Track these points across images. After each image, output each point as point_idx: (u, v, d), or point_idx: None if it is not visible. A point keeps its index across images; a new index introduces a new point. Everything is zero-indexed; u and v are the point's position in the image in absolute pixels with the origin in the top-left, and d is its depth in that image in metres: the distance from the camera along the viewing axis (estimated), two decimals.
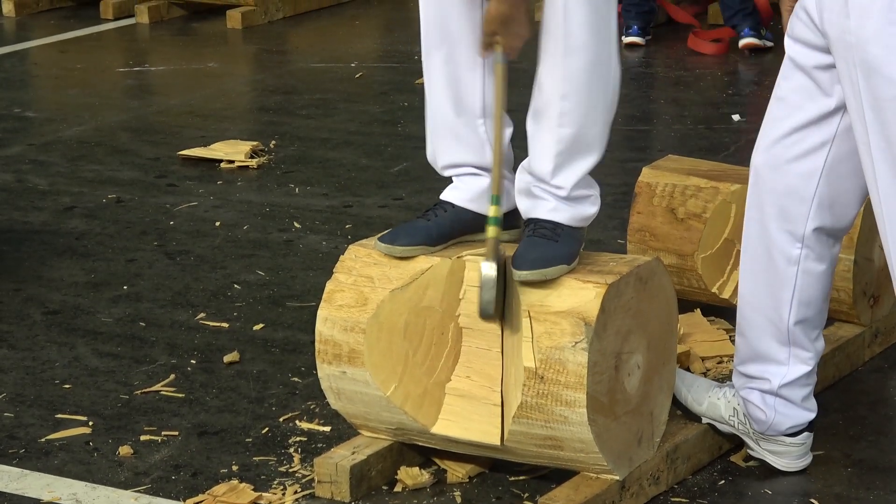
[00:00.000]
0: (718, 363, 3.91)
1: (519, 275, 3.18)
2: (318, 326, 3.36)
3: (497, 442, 3.29)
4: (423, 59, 3.37)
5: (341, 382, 3.37)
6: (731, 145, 5.93)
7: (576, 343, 3.14)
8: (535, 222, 3.27)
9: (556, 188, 3.26)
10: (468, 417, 3.31)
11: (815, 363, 3.42)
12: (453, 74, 3.33)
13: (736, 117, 6.32)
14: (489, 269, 3.16)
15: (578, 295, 3.16)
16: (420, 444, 3.43)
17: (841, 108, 3.17)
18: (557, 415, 3.18)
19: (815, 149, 3.21)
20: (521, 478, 3.45)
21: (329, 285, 3.37)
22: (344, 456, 3.39)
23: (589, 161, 3.27)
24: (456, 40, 3.30)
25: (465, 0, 3.27)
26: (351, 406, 3.40)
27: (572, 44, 3.17)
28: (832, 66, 3.13)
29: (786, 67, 3.21)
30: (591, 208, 3.30)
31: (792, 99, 3.21)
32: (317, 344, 3.37)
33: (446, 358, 3.32)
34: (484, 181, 3.36)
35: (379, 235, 3.38)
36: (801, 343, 3.38)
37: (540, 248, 3.21)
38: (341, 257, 3.40)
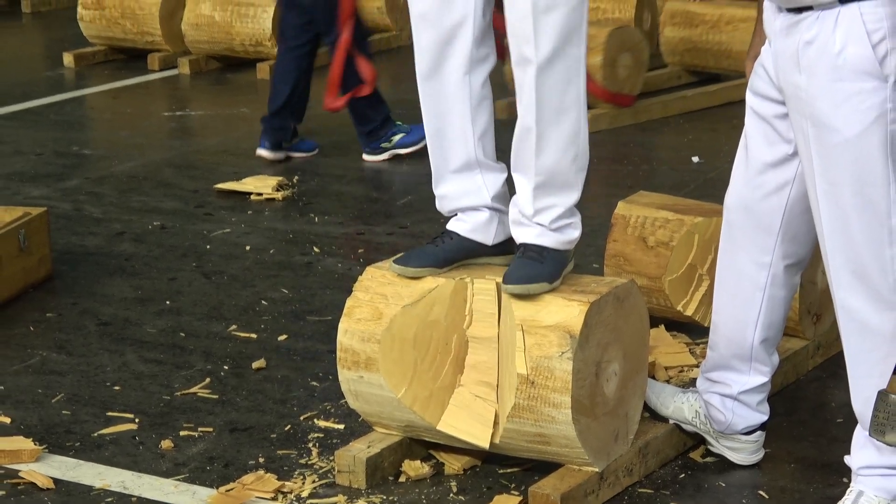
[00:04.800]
0: (680, 372, 3.89)
1: (506, 288, 3.19)
2: (339, 337, 3.34)
3: (494, 439, 3.26)
4: (425, 130, 3.34)
5: (359, 385, 3.35)
6: (692, 183, 5.91)
7: (562, 353, 3.12)
8: (525, 246, 3.26)
9: (538, 224, 3.26)
10: (468, 418, 3.28)
11: (771, 375, 3.42)
12: (448, 140, 3.31)
13: (695, 159, 6.31)
14: None
15: (565, 311, 3.15)
16: (426, 439, 3.40)
17: (798, 152, 3.16)
18: (546, 415, 3.16)
19: (779, 188, 3.19)
20: (510, 470, 3.43)
21: (349, 301, 3.35)
22: (360, 449, 3.38)
23: (568, 199, 3.24)
24: (448, 111, 3.28)
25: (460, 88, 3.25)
26: (367, 406, 3.38)
27: (543, 148, 3.16)
28: (788, 116, 3.11)
29: (749, 118, 3.19)
30: (573, 233, 3.28)
31: (756, 146, 3.18)
32: (338, 352, 3.35)
33: (450, 365, 3.30)
34: (483, 215, 3.36)
35: (394, 258, 3.36)
36: (761, 358, 3.37)
37: (527, 267, 3.20)
38: (360, 277, 3.38)
